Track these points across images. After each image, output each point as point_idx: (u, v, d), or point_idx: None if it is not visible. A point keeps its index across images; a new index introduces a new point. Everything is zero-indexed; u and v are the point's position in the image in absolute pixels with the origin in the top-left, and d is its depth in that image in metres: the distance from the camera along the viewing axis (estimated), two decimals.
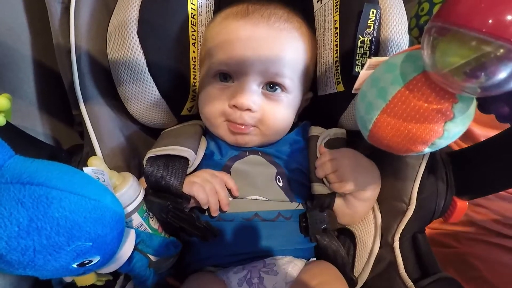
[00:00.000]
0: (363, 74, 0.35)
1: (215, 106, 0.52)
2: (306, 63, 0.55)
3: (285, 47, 0.51)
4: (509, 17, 0.23)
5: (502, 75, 0.25)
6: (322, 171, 0.51)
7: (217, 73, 0.52)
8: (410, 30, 0.38)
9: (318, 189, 0.53)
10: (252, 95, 0.50)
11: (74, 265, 0.33)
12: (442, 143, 0.32)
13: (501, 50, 0.24)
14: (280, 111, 0.53)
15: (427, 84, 0.30)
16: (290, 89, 0.53)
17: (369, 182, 0.51)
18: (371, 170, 0.52)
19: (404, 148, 0.33)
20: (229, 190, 0.51)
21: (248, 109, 0.50)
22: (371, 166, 0.52)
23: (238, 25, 0.51)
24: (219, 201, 0.49)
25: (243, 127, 0.52)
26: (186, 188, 0.48)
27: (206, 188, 0.49)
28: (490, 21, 0.23)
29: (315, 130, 0.57)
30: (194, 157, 0.51)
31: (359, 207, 0.53)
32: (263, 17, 0.51)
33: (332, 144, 0.54)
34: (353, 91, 0.37)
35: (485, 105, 0.32)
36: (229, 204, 0.50)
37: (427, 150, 0.33)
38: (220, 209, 0.50)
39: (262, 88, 0.52)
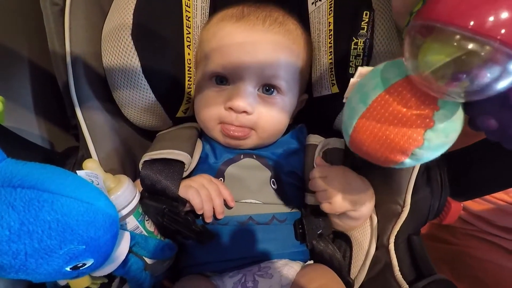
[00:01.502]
0: (353, 82, 0.34)
1: (211, 109, 0.52)
2: (301, 65, 0.55)
3: (280, 49, 0.51)
4: (494, 15, 0.22)
5: (485, 78, 0.24)
6: (312, 187, 0.51)
7: (213, 76, 0.52)
8: (403, 35, 0.37)
9: (312, 199, 0.53)
10: (248, 98, 0.50)
11: (67, 269, 0.33)
12: (423, 154, 0.30)
13: (487, 48, 0.23)
14: (276, 114, 0.53)
15: (408, 89, 0.29)
16: (285, 91, 0.53)
17: (359, 202, 0.49)
18: (363, 190, 0.50)
19: (383, 156, 0.31)
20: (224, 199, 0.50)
21: (244, 112, 0.50)
22: (362, 185, 0.50)
23: (233, 28, 0.51)
24: (214, 208, 0.49)
25: (240, 134, 0.51)
26: (182, 192, 0.48)
27: (201, 194, 0.48)
28: (475, 18, 0.23)
29: (313, 139, 0.57)
30: (190, 161, 0.51)
31: (352, 223, 0.53)
32: (259, 20, 0.51)
33: (329, 155, 0.53)
34: (344, 100, 0.36)
35: (473, 119, 0.30)
36: (223, 212, 0.50)
37: (408, 161, 0.31)
38: (214, 216, 0.50)
39: (258, 90, 0.52)
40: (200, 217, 0.50)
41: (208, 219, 0.49)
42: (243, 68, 0.49)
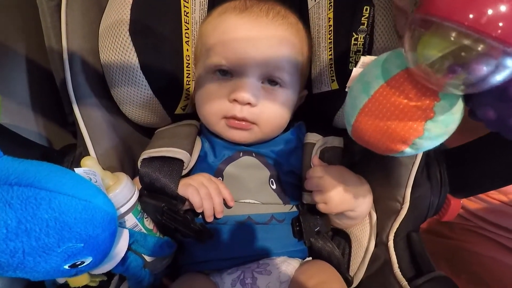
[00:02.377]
0: (356, 71, 0.35)
1: (214, 102, 0.52)
2: (302, 60, 0.55)
3: (284, 42, 0.51)
4: (490, 12, 0.22)
5: (482, 71, 0.24)
6: (308, 186, 0.51)
7: (216, 69, 0.52)
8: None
9: (308, 199, 0.52)
10: (252, 89, 0.49)
11: (66, 267, 0.33)
12: (423, 143, 0.31)
13: (481, 46, 0.23)
14: (279, 107, 0.52)
15: (409, 80, 0.30)
16: (288, 84, 0.52)
17: (356, 202, 0.49)
18: (360, 189, 0.50)
19: (384, 146, 0.32)
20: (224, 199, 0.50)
21: (248, 103, 0.49)
22: (359, 185, 0.50)
23: (237, 19, 0.50)
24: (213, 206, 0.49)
25: (243, 123, 0.51)
26: (181, 190, 0.48)
27: (201, 192, 0.48)
28: (471, 14, 0.23)
29: (311, 137, 0.56)
30: (189, 159, 0.51)
31: (349, 222, 0.53)
32: (262, 12, 0.50)
33: (327, 154, 0.53)
34: (346, 89, 0.37)
35: (473, 110, 0.31)
36: (223, 211, 0.49)
37: (408, 150, 0.32)
38: (213, 215, 0.49)
39: (262, 83, 0.51)
40: (200, 216, 0.50)
41: (209, 218, 0.49)
42: (247, 60, 0.49)
